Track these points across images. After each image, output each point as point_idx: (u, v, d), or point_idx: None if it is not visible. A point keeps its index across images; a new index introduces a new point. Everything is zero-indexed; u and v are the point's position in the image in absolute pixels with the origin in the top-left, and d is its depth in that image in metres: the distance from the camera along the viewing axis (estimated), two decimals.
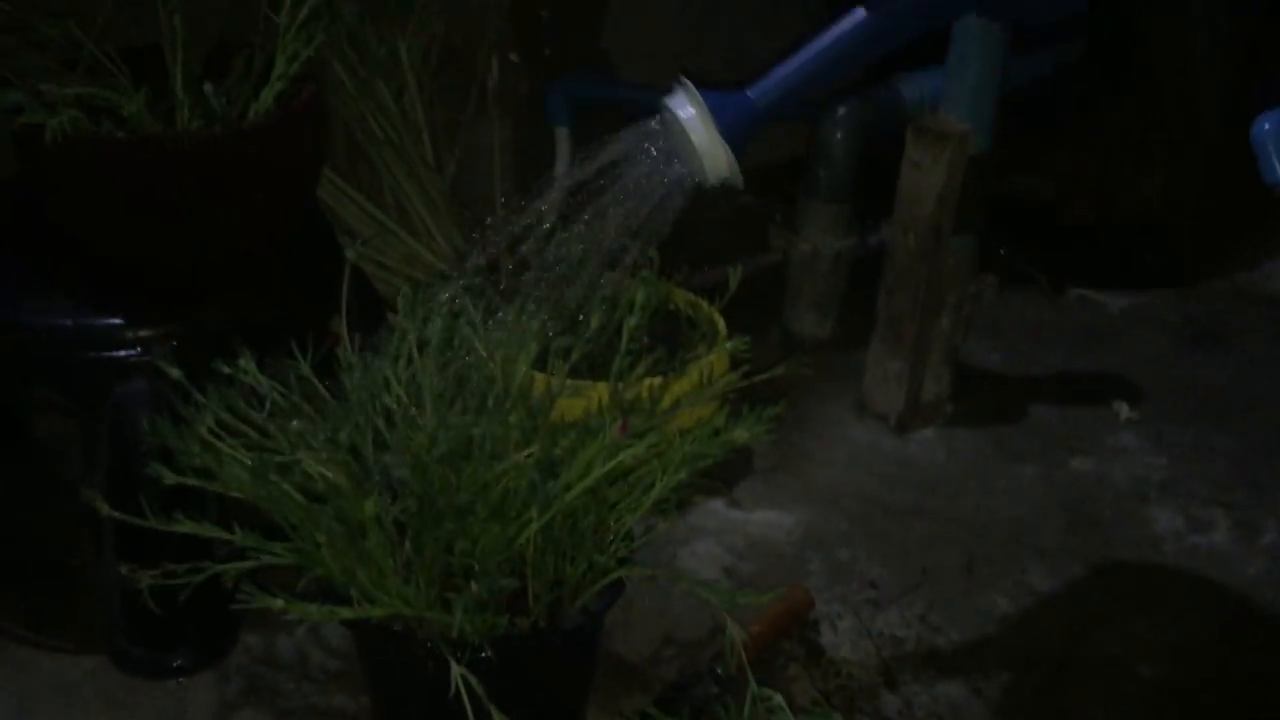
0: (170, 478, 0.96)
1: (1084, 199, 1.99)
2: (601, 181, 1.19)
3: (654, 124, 1.14)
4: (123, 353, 1.05)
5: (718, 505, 1.40)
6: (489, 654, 0.90)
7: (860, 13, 1.23)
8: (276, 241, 1.13)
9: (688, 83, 1.12)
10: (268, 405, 0.98)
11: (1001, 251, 1.79)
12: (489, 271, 1.19)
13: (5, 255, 1.14)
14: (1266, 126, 1.55)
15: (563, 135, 1.87)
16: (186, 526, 0.95)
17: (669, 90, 1.16)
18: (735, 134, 1.12)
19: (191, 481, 0.96)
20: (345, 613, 0.91)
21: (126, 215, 1.02)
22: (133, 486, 0.99)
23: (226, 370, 0.98)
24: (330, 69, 1.51)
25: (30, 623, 1.19)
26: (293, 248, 1.17)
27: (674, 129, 1.10)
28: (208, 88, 1.02)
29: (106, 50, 1.09)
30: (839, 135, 1.63)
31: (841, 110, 1.63)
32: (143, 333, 1.05)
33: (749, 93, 1.17)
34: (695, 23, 2.06)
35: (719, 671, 1.10)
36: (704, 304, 1.47)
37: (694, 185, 1.16)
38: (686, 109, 1.09)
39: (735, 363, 1.14)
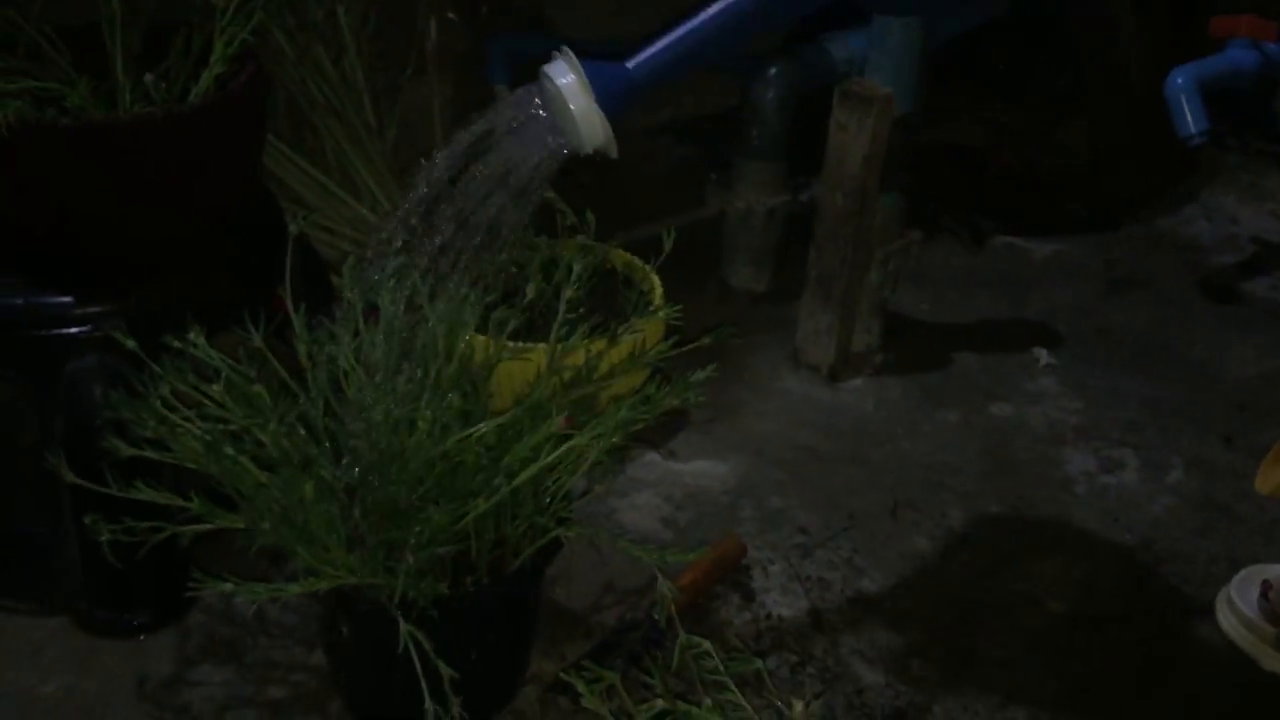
0: (126, 450, 1.01)
1: (1011, 149, 2.05)
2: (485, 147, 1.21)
3: (534, 90, 1.16)
4: (74, 329, 1.09)
5: (654, 458, 1.46)
6: (434, 613, 0.95)
7: None
8: (222, 216, 1.17)
9: (568, 51, 1.14)
10: (222, 378, 1.02)
11: (929, 206, 1.85)
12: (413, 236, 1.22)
13: None
14: (1179, 80, 1.62)
15: (503, 93, 1.90)
16: (143, 494, 1.00)
17: (551, 58, 1.19)
18: (611, 103, 1.14)
19: (147, 454, 1.00)
20: (292, 589, 0.96)
21: (73, 199, 1.05)
22: (90, 458, 1.04)
23: (177, 345, 1.02)
24: (270, 36, 1.54)
25: None
26: (238, 219, 1.20)
27: (552, 96, 1.12)
28: (148, 78, 1.05)
29: (46, 32, 1.12)
30: (770, 94, 1.67)
31: (772, 70, 1.67)
32: (93, 309, 1.09)
33: (628, 64, 1.20)
34: None
35: (655, 618, 1.17)
36: (641, 265, 1.53)
37: (569, 153, 1.18)
38: (566, 76, 1.11)
39: (670, 329, 1.20)
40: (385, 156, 1.66)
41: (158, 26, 1.15)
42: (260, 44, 1.15)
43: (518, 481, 0.99)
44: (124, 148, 1.03)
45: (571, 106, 1.09)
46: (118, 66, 1.09)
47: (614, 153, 1.18)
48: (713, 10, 1.24)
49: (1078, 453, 1.51)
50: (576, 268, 1.14)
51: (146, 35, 1.14)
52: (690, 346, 1.11)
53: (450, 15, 1.84)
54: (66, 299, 1.09)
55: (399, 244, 1.12)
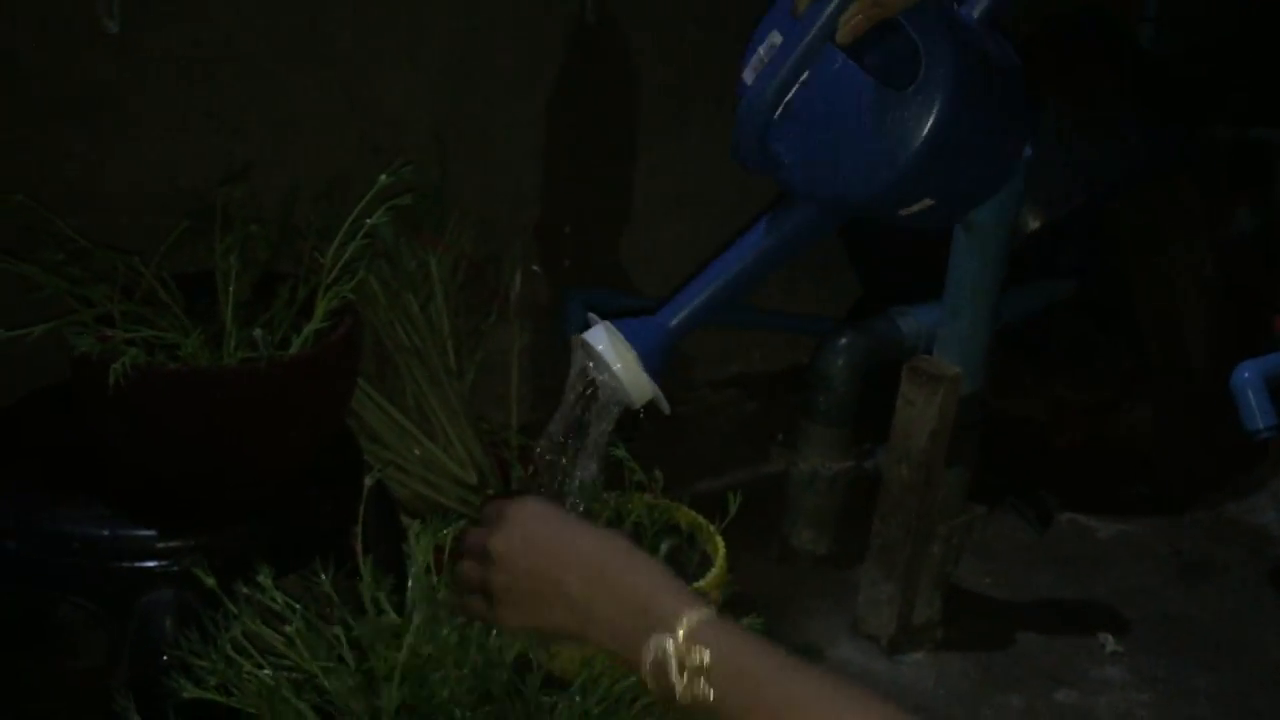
0: (190, 690, 1.01)
1: (1074, 426, 2.07)
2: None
3: (584, 357, 1.21)
4: (152, 563, 1.11)
5: None
6: None
7: (760, 233, 1.33)
8: (308, 459, 1.21)
9: (597, 319, 1.19)
10: (295, 622, 1.03)
11: (994, 480, 1.86)
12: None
13: (42, 464, 1.21)
14: (1246, 375, 1.64)
15: (578, 343, 1.96)
16: None
17: (590, 323, 1.25)
18: (652, 358, 1.18)
19: (210, 696, 1.01)
20: None
21: (171, 439, 1.10)
22: (153, 694, 1.04)
23: (249, 589, 1.04)
24: (365, 282, 1.61)
25: None
26: (320, 461, 1.24)
27: (598, 361, 1.17)
28: (257, 333, 1.11)
29: (162, 278, 1.19)
30: (839, 363, 1.72)
31: (842, 340, 1.72)
32: (173, 544, 1.12)
33: (661, 317, 1.25)
34: (711, 241, 2.17)
35: None
36: (706, 524, 1.53)
37: (621, 409, 1.21)
38: (603, 342, 1.15)
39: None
40: (463, 399, 1.71)
41: (266, 276, 1.22)
42: (356, 291, 1.22)
43: None
44: (226, 394, 1.08)
45: (616, 368, 1.13)
46: (227, 315, 1.15)
47: (665, 406, 1.22)
48: (740, 255, 1.30)
49: None
50: (647, 525, 1.16)
51: (256, 284, 1.21)
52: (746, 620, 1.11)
53: (535, 267, 1.93)
54: (149, 532, 1.12)
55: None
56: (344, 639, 1.02)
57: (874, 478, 1.62)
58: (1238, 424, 1.62)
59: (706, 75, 2.04)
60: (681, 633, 0.77)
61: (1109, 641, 1.65)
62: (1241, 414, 1.61)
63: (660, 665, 0.77)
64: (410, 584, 1.04)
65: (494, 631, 1.04)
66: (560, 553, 0.85)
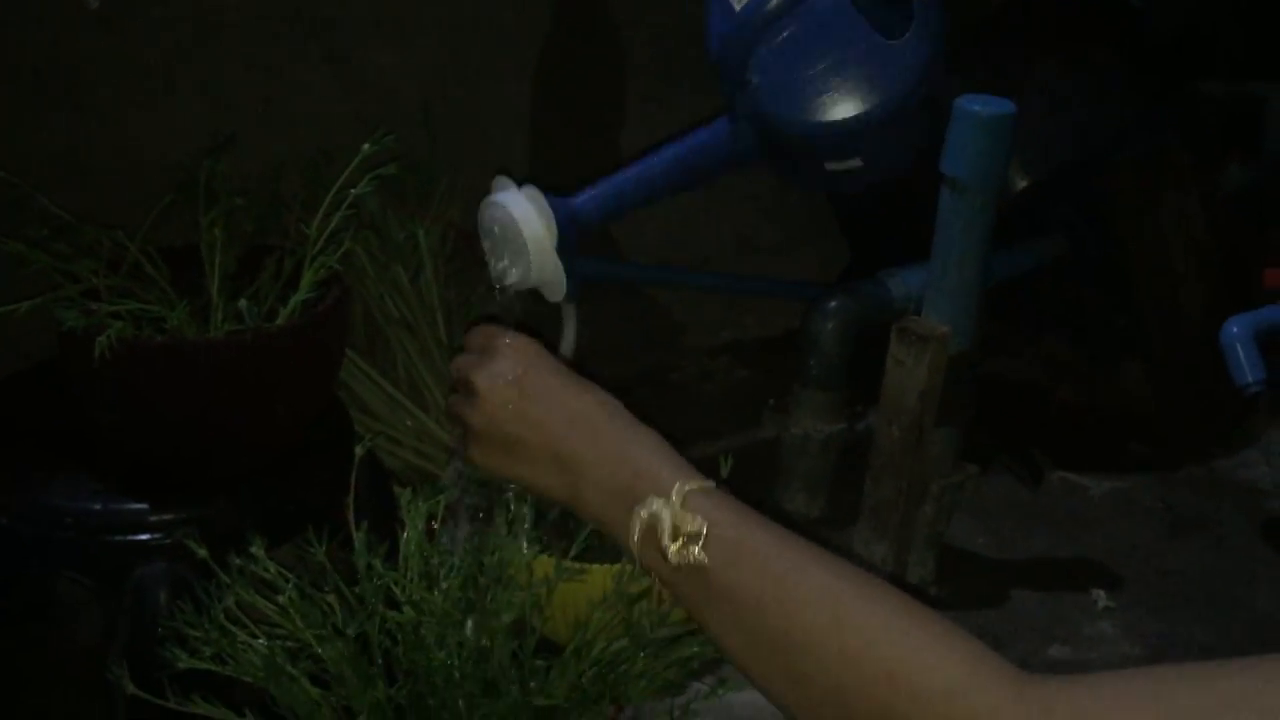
0: (186, 661, 1.02)
1: (1070, 385, 2.07)
2: None
3: (490, 220, 1.17)
4: (146, 536, 1.12)
5: (702, 687, 1.44)
6: None
7: (685, 144, 1.39)
8: (298, 429, 1.21)
9: (509, 182, 1.17)
10: (288, 590, 1.04)
11: (986, 440, 1.87)
12: None
13: (33, 441, 1.21)
14: (1235, 330, 1.65)
15: (569, 310, 1.96)
16: (200, 709, 1.01)
17: (495, 188, 1.22)
18: (559, 235, 1.16)
19: (206, 666, 1.01)
20: None
21: (160, 413, 1.10)
22: (149, 666, 1.05)
23: (242, 560, 1.04)
24: (353, 254, 1.61)
25: None
26: (310, 433, 1.24)
27: (503, 222, 1.15)
28: (242, 304, 1.11)
29: (148, 252, 1.19)
30: (829, 327, 1.72)
31: (832, 303, 1.72)
32: (166, 517, 1.12)
33: (576, 200, 1.26)
34: (701, 208, 2.18)
35: None
36: None
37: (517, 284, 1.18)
38: (521, 204, 1.14)
39: None
40: None
41: (253, 249, 1.22)
42: (344, 263, 1.22)
43: None
44: (214, 366, 1.08)
45: (525, 233, 1.11)
46: (213, 287, 1.15)
47: (559, 291, 1.17)
48: (661, 158, 1.32)
49: None
50: None
51: (242, 258, 1.21)
52: None
53: None
54: (141, 505, 1.13)
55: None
56: (336, 607, 1.03)
57: (866, 440, 1.63)
58: (1230, 381, 1.63)
59: (693, 47, 2.03)
60: (677, 499, 0.72)
61: (1101, 597, 1.66)
62: (1230, 369, 1.61)
63: (651, 531, 0.73)
64: (403, 550, 1.04)
65: (490, 596, 1.04)
66: (554, 406, 0.80)
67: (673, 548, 0.72)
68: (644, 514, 0.73)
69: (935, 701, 0.62)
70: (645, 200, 1.39)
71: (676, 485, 0.73)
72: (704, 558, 0.71)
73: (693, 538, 0.71)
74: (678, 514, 0.72)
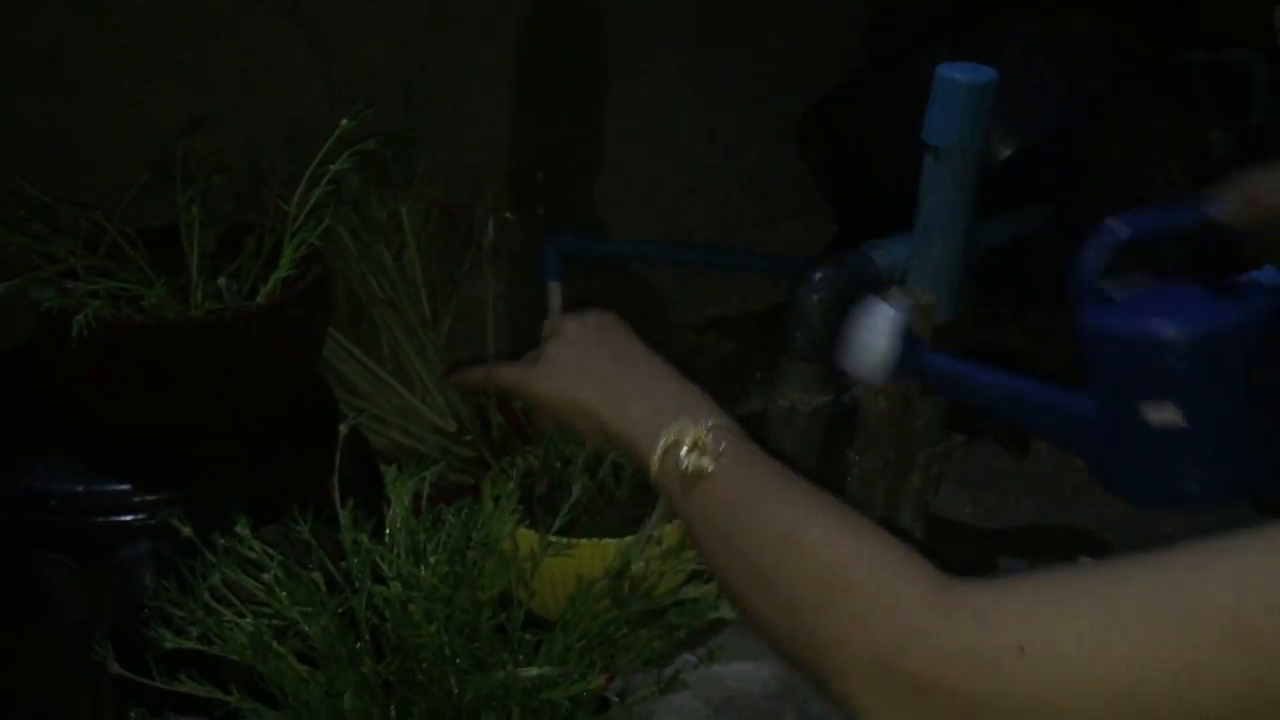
0: (171, 641, 1.02)
1: (1055, 353, 2.07)
2: None
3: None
4: (129, 516, 1.12)
5: (692, 658, 1.45)
6: None
7: None
8: (281, 408, 1.21)
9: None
10: (273, 569, 1.03)
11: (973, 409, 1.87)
12: None
13: (14, 424, 1.21)
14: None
15: (554, 289, 1.96)
16: (186, 686, 1.00)
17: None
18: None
19: (192, 645, 1.01)
20: None
21: (141, 392, 1.09)
22: (134, 646, 1.05)
23: (228, 539, 1.04)
24: (335, 233, 1.60)
25: None
26: (294, 411, 1.24)
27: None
28: (222, 282, 1.10)
29: (126, 232, 1.18)
30: (814, 299, 1.71)
31: (817, 275, 1.71)
32: (149, 497, 1.12)
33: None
34: (685, 184, 2.17)
35: None
36: None
37: None
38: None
39: None
40: (439, 349, 1.71)
41: (233, 228, 1.22)
42: (325, 240, 1.21)
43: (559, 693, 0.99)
44: (194, 344, 1.07)
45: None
46: (193, 266, 1.14)
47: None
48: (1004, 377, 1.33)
49: None
50: (626, 464, 1.16)
51: (221, 236, 1.20)
52: None
53: (508, 215, 1.92)
54: (125, 486, 1.12)
55: None
56: (322, 584, 1.02)
57: (853, 411, 1.63)
58: None
59: (674, 17, 2.03)
60: (704, 425, 0.81)
61: (1089, 565, 1.66)
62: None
63: (675, 446, 0.80)
64: (389, 526, 1.04)
65: (479, 570, 1.04)
66: (624, 349, 0.94)
67: (687, 458, 0.79)
68: (670, 432, 0.81)
69: (869, 590, 0.72)
70: (965, 393, 1.39)
71: (709, 418, 0.82)
72: (710, 465, 0.79)
73: (706, 450, 0.79)
74: (700, 434, 0.80)
